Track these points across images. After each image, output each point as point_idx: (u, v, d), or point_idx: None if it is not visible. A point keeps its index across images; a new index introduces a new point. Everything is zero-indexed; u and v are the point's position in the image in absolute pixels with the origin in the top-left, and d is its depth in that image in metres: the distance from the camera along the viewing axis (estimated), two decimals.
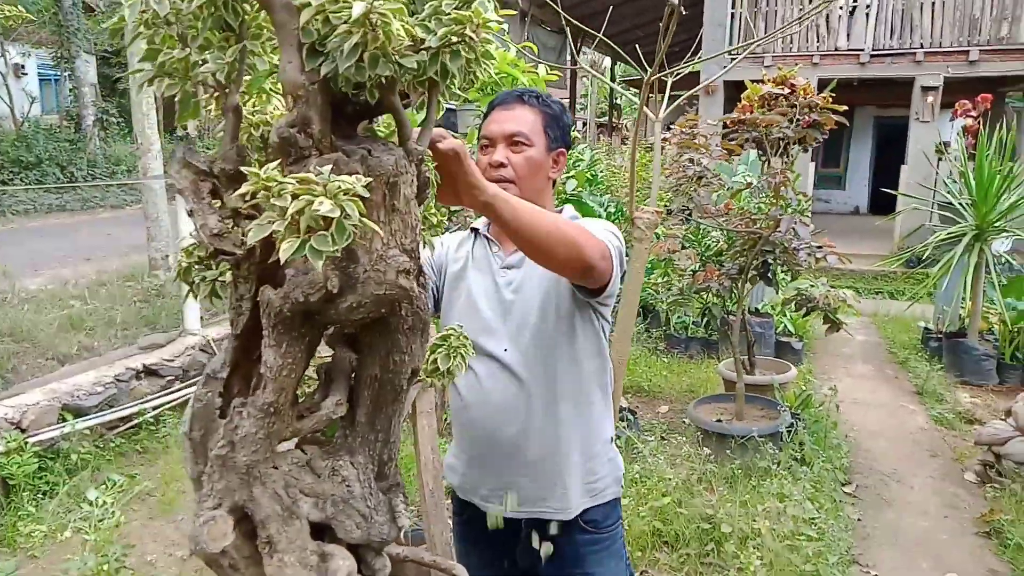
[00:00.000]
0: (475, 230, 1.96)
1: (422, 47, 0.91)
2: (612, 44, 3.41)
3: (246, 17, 1.05)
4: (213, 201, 1.10)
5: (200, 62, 1.05)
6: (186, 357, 5.93)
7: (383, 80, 0.94)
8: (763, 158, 5.01)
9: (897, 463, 4.77)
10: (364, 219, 0.82)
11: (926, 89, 10.38)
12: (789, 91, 4.95)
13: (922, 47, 10.43)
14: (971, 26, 10.40)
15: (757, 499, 3.81)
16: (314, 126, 0.92)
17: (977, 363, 6.36)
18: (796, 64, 10.24)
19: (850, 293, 4.32)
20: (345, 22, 0.84)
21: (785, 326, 7.04)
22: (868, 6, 10.59)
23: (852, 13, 10.79)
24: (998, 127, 6.36)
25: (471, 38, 0.89)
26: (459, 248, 1.99)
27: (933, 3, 10.30)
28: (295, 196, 0.81)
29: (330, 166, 0.91)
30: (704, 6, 10.57)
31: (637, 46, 4.29)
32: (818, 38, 10.40)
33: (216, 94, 1.10)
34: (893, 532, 3.91)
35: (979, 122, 6.97)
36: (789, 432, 4.43)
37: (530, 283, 1.81)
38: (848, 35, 10.08)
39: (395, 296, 1.02)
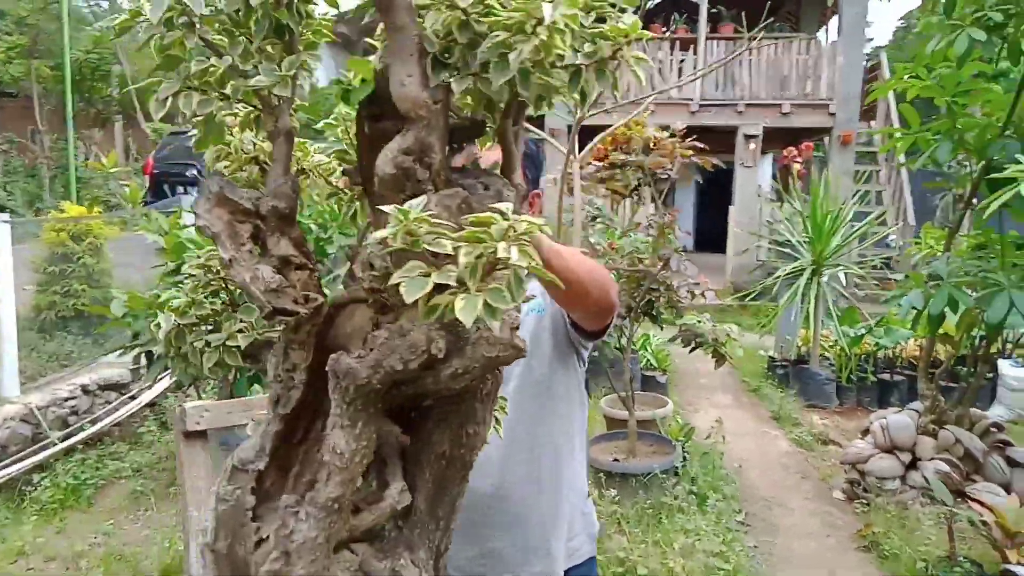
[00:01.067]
0: None
1: (561, 64, 0.77)
2: None
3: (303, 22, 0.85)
4: (254, 248, 0.88)
5: (241, 75, 0.83)
6: (3, 430, 5.07)
7: (511, 100, 0.78)
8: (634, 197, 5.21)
9: (773, 488, 5.02)
10: (535, 267, 0.66)
11: (748, 137, 11.41)
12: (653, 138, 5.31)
13: (743, 99, 11.49)
14: (782, 83, 11.62)
15: (667, 537, 3.82)
16: (434, 154, 0.75)
17: (820, 387, 6.92)
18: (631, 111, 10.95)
19: (735, 328, 4.52)
20: (501, 28, 0.68)
21: (648, 361, 7.29)
22: (695, 61, 11.57)
23: (681, 68, 11.71)
24: (819, 173, 7.07)
25: (622, 55, 0.76)
26: None
27: (751, 61, 11.40)
28: (467, 241, 0.63)
29: (457, 202, 0.74)
30: None
31: None
32: (652, 87, 11.16)
33: (252, 114, 0.88)
34: (787, 556, 4.06)
35: (804, 168, 7.70)
36: (683, 466, 4.52)
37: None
38: (680, 87, 10.88)
39: (507, 359, 0.85)
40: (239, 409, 2.08)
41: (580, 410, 1.82)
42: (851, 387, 7.02)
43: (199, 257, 1.04)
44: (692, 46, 11.80)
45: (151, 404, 5.29)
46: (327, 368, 0.85)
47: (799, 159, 7.77)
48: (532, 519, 1.70)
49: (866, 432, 5.12)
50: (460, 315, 0.62)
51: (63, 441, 4.58)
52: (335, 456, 0.87)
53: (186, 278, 0.99)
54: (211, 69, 0.82)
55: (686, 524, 3.95)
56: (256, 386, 4.23)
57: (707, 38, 11.65)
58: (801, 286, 6.59)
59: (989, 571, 3.52)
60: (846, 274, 6.72)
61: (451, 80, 0.72)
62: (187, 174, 10.86)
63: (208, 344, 1.00)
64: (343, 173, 0.96)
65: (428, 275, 0.65)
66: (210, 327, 1.04)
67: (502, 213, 0.63)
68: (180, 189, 10.42)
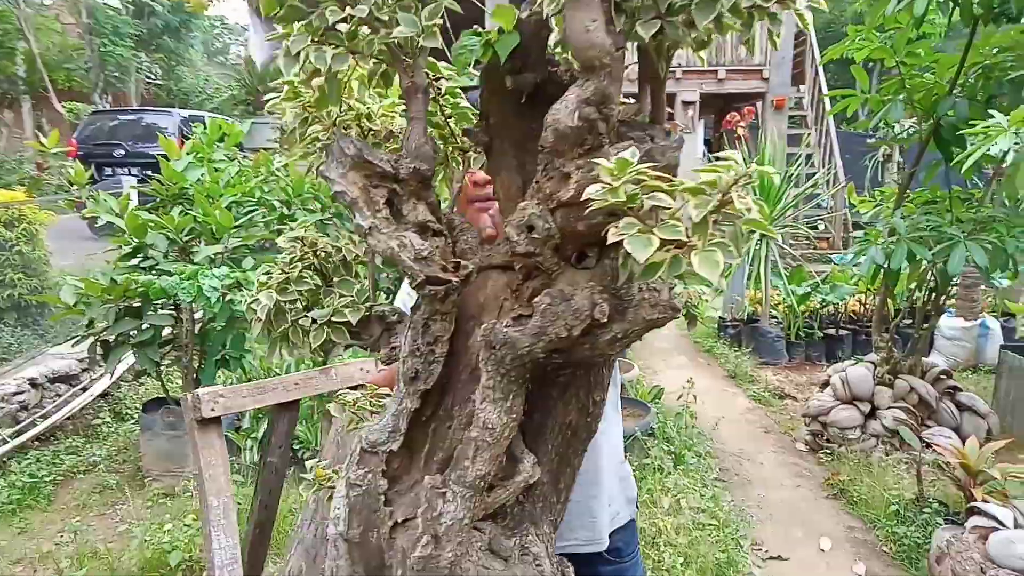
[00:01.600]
0: None
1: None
2: None
3: None
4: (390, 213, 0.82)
5: (378, 26, 0.76)
6: None
7: (671, 46, 0.74)
8: None
9: (741, 443, 5.17)
10: (758, 222, 0.62)
11: (686, 103, 11.55)
12: None
13: (680, 67, 11.60)
14: (717, 49, 11.78)
15: (652, 497, 3.89)
16: (614, 106, 0.70)
17: (771, 344, 7.15)
18: None
19: (706, 289, 4.60)
20: None
21: None
22: None
23: None
24: (761, 136, 7.23)
25: None
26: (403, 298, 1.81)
27: None
28: (694, 194, 0.60)
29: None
30: None
31: None
32: None
33: (380, 69, 0.82)
34: (764, 508, 4.21)
35: (747, 132, 7.85)
36: (658, 426, 4.61)
37: None
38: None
39: (665, 320, 0.82)
40: (254, 393, 1.99)
41: (613, 372, 1.81)
42: (800, 343, 7.28)
43: (292, 229, 0.96)
44: None
45: (104, 395, 5.04)
46: (480, 338, 0.80)
47: (743, 123, 7.92)
48: (576, 487, 1.70)
49: (825, 385, 5.33)
50: (701, 271, 0.59)
51: (14, 438, 4.32)
52: (485, 431, 0.83)
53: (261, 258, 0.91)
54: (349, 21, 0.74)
55: (667, 483, 4.03)
56: (226, 369, 4.07)
57: None
58: (751, 247, 6.74)
59: (956, 509, 3.72)
60: (782, 235, 6.92)
61: (638, 24, 0.68)
62: (114, 154, 10.28)
63: (314, 321, 0.93)
64: (464, 133, 0.90)
65: (647, 232, 0.61)
66: (303, 303, 0.98)
67: (734, 161, 0.59)
68: (107, 170, 9.86)
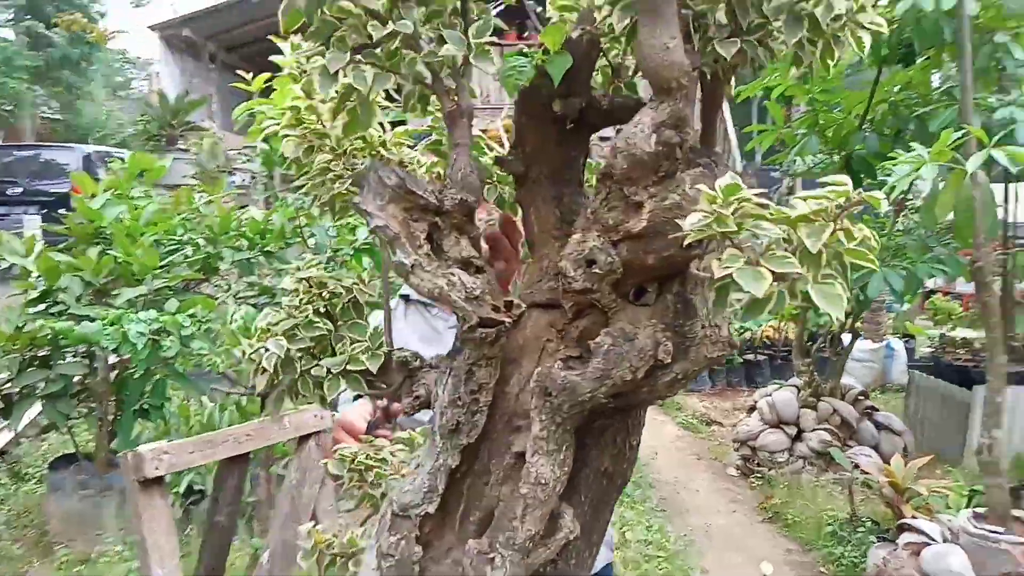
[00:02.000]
0: (405, 297, 1.80)
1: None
2: None
3: None
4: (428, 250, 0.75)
5: (422, 45, 0.70)
6: None
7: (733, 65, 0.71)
8: None
9: (674, 471, 5.22)
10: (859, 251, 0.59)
11: (603, 139, 11.86)
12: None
13: None
14: None
15: None
16: (689, 129, 0.66)
17: None
18: (492, 120, 11.05)
19: None
20: None
21: None
22: None
23: None
24: None
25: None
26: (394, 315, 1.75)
27: None
28: (804, 222, 0.56)
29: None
30: None
31: None
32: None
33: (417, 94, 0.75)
34: (703, 535, 4.23)
35: None
36: None
37: None
38: None
39: (722, 358, 0.78)
40: (202, 447, 1.84)
41: None
42: (721, 369, 7.48)
43: (298, 269, 0.87)
44: None
45: (1, 453, 4.58)
46: (534, 383, 0.74)
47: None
48: None
49: (751, 410, 5.47)
50: (823, 305, 0.54)
51: None
52: (537, 488, 0.76)
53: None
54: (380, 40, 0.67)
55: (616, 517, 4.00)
56: (144, 420, 3.78)
57: None
58: None
59: (887, 526, 3.85)
60: None
61: (716, 43, 0.64)
62: (8, 192, 9.58)
63: (329, 371, 0.84)
64: (496, 162, 0.84)
65: (755, 264, 0.57)
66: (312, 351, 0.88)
67: (844, 189, 0.56)
68: (2, 209, 9.16)
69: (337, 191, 0.83)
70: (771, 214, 0.57)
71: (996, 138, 2.89)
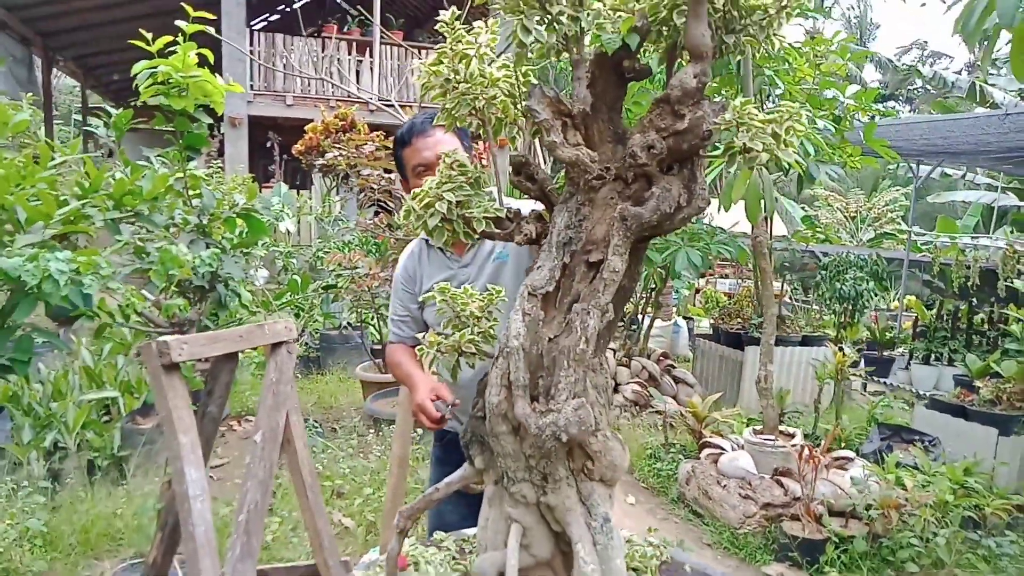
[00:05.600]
0: (426, 241, 2.14)
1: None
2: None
3: None
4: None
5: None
6: None
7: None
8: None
9: None
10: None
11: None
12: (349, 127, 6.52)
13: (415, 102, 12.48)
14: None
15: None
16: (706, 78, 1.29)
17: None
18: (316, 105, 11.17)
19: None
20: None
21: (373, 335, 7.79)
22: (372, 64, 12.24)
23: (359, 69, 12.28)
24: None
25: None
26: (420, 257, 2.19)
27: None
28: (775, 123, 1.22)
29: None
30: (222, 43, 10.60)
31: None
32: (334, 85, 11.50)
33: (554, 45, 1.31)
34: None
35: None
36: None
37: (480, 279, 2.10)
38: (359, 85, 11.40)
39: (706, 207, 1.43)
40: (210, 342, 2.18)
41: None
42: None
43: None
44: (368, 49, 12.42)
45: None
46: (616, 214, 1.33)
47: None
48: None
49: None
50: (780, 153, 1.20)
51: None
52: (612, 273, 1.35)
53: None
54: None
55: None
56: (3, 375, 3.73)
57: (381, 42, 12.35)
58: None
59: (691, 452, 4.84)
60: None
61: (722, 34, 1.28)
62: None
63: (473, 217, 1.37)
64: (574, 94, 1.41)
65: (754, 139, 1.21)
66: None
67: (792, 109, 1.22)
68: None
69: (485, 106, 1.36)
70: (759, 121, 1.22)
71: None
